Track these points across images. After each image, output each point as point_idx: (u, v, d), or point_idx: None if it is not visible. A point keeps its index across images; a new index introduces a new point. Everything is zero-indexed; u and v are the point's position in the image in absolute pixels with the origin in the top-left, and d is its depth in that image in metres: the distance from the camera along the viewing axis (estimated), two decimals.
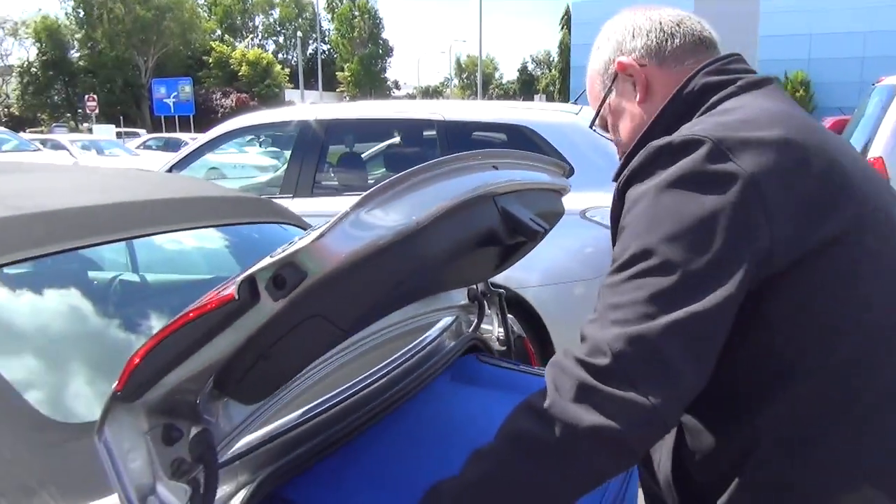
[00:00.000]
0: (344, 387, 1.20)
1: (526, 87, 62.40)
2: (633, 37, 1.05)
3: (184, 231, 1.63)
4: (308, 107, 4.65)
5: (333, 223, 0.72)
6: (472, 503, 0.80)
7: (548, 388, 0.80)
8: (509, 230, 1.12)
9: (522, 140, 3.45)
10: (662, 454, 0.95)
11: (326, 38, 55.63)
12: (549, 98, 45.79)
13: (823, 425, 0.80)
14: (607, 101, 1.09)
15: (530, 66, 67.21)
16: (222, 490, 0.92)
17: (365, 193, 0.76)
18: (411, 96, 58.12)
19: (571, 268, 3.18)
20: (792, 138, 0.82)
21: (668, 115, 0.96)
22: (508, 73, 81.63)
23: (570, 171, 1.52)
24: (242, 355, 0.77)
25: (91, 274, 1.59)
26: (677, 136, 0.84)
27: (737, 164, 0.78)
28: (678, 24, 1.04)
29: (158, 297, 1.77)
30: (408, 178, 0.85)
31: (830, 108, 20.53)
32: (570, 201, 3.49)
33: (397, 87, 66.14)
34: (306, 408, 1.11)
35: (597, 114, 1.12)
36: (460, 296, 1.70)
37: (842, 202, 0.82)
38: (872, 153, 4.63)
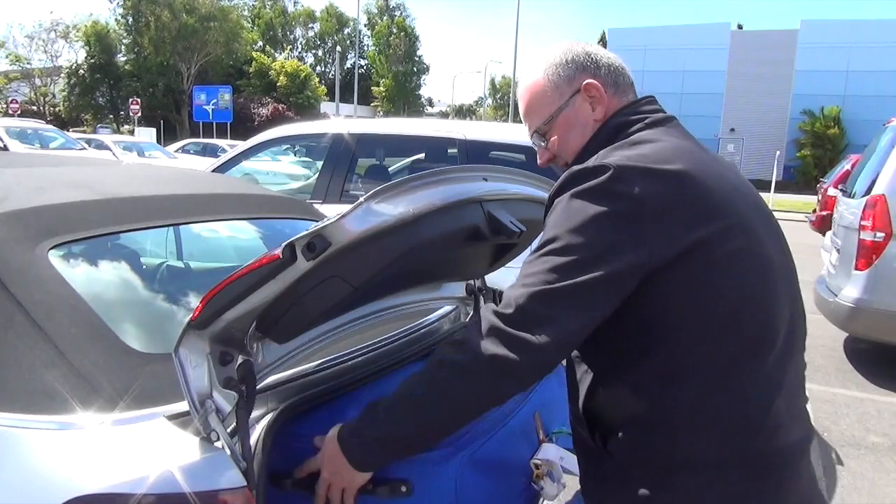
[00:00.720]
0: (354, 349, 1.49)
1: None
2: (598, 65, 1.27)
3: (227, 221, 1.95)
4: (342, 121, 4.99)
5: (351, 209, 1.01)
6: (400, 410, 1.10)
7: (469, 334, 1.08)
8: (492, 229, 1.39)
9: (536, 160, 3.73)
10: (581, 396, 1.21)
11: (364, 54, 56.67)
12: None
13: (688, 376, 1.07)
14: (561, 114, 1.27)
15: None
16: (254, 413, 1.20)
17: (375, 190, 1.06)
18: (444, 114, 58.70)
19: None
20: (676, 169, 1.09)
21: (599, 139, 1.23)
22: None
23: None
24: (280, 302, 1.07)
25: (150, 251, 1.92)
26: (591, 162, 1.11)
27: (628, 188, 1.05)
28: (623, 66, 1.31)
29: (203, 275, 2.09)
30: (410, 181, 1.15)
31: (859, 146, 20.46)
32: None
33: (431, 104, 66.80)
34: (320, 361, 1.40)
35: (548, 120, 1.28)
36: (459, 289, 1.98)
37: (708, 218, 1.07)
38: (875, 190, 4.84)
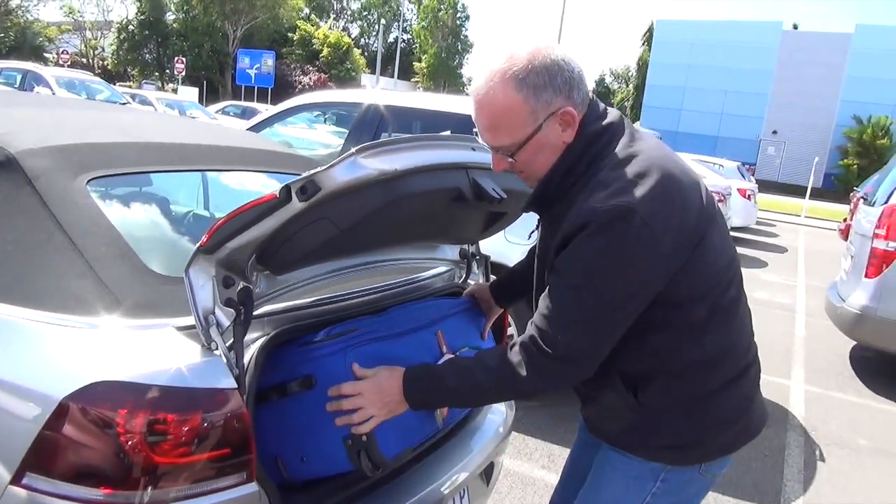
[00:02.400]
0: (346, 292, 1.66)
1: (601, 99, 61.31)
2: (570, 84, 1.28)
3: (247, 172, 2.14)
4: (370, 91, 5.15)
5: (340, 160, 1.18)
6: (451, 391, 1.36)
7: (522, 357, 1.30)
8: (475, 194, 1.55)
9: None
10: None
11: (408, 28, 56.52)
12: (622, 113, 45.31)
13: (710, 321, 1.35)
14: (534, 138, 1.29)
15: (608, 79, 66.54)
16: (249, 335, 1.38)
17: (364, 144, 1.22)
18: None
19: None
20: (675, 187, 1.27)
21: (570, 157, 1.32)
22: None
23: None
24: (276, 236, 1.25)
25: (175, 189, 2.12)
26: (615, 203, 1.21)
27: (651, 227, 1.21)
28: (580, 72, 1.31)
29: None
30: (400, 142, 1.32)
31: None
32: None
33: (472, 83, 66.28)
34: (313, 298, 1.57)
35: (521, 144, 1.30)
36: (454, 253, 2.14)
37: (703, 217, 1.31)
38: (893, 200, 4.88)
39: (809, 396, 4.71)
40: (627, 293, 1.25)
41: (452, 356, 1.62)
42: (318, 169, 1.18)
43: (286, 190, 1.18)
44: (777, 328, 6.56)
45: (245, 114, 20.71)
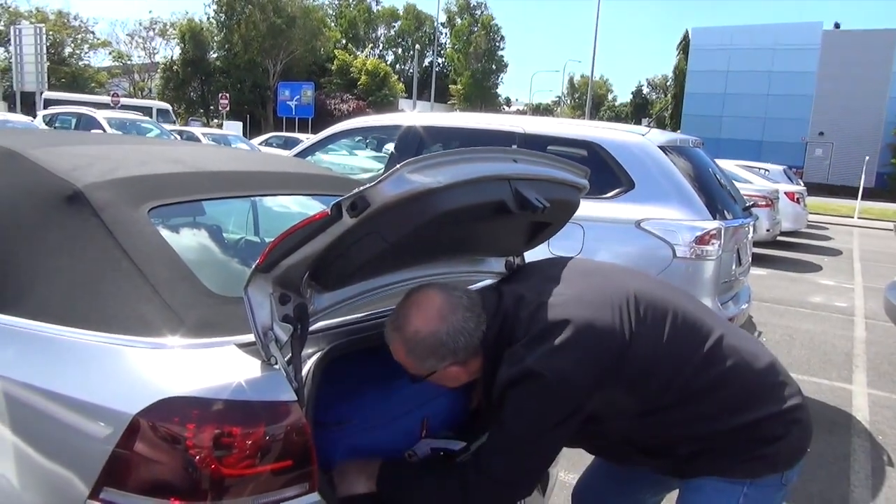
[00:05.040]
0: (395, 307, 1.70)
1: (639, 110, 61.30)
2: (457, 351, 1.46)
3: (295, 196, 2.22)
4: (409, 114, 5.24)
5: (388, 175, 1.22)
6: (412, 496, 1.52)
7: (469, 481, 1.44)
8: (518, 204, 1.57)
9: (592, 155, 3.86)
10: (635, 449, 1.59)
11: (442, 52, 57.18)
12: (661, 123, 44.93)
13: (698, 390, 1.49)
14: (432, 376, 1.51)
15: (645, 90, 65.99)
16: (306, 350, 1.43)
17: (410, 160, 1.26)
18: (522, 113, 58.53)
19: None
20: (576, 335, 1.39)
21: (484, 367, 1.50)
22: (623, 95, 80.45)
23: (589, 175, 1.91)
24: (329, 252, 1.29)
25: (228, 214, 2.21)
26: (516, 371, 1.38)
27: (558, 380, 1.36)
28: (477, 321, 1.48)
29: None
30: (443, 155, 1.35)
31: None
32: (628, 212, 3.91)
33: (508, 103, 66.63)
34: (365, 314, 1.62)
35: (423, 378, 1.51)
36: (500, 266, 2.16)
37: (636, 319, 1.46)
38: None
39: (874, 400, 4.55)
40: (550, 428, 1.41)
41: (428, 441, 1.77)
42: (367, 185, 1.22)
43: (337, 207, 1.23)
44: (836, 332, 6.37)
45: (287, 144, 21.18)
